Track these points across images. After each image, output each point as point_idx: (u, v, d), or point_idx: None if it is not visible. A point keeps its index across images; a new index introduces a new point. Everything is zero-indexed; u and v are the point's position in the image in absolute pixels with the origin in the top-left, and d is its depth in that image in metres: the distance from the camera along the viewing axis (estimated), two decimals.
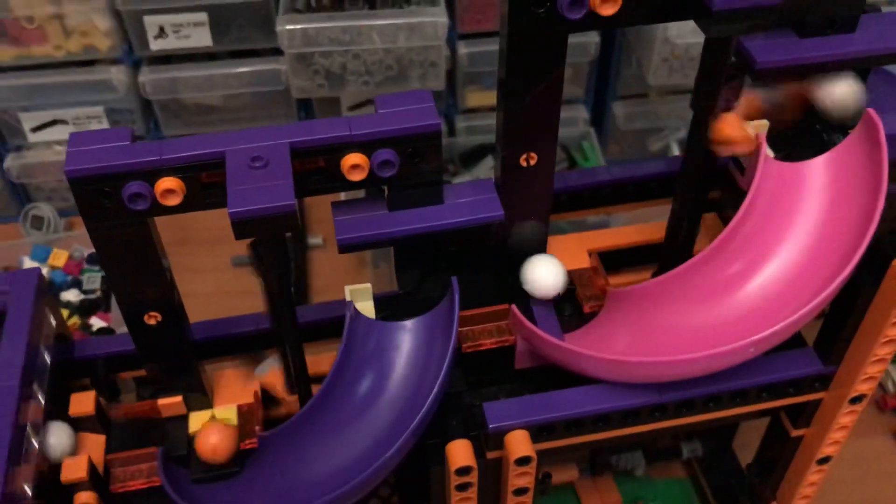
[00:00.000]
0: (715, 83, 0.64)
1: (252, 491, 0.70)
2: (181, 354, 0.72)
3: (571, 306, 0.76)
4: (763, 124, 0.68)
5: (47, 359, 0.75)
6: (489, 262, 0.73)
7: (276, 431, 0.71)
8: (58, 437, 0.72)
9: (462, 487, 0.66)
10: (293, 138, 0.60)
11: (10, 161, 1.31)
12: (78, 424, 0.75)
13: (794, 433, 0.75)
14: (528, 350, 0.71)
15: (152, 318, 0.68)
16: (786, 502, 0.81)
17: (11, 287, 0.74)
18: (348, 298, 0.69)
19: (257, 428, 0.73)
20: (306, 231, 1.36)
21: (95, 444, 0.74)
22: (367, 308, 0.70)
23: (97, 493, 0.70)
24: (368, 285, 0.70)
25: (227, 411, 0.75)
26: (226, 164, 0.58)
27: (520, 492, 0.67)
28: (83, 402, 0.74)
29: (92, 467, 0.70)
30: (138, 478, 0.76)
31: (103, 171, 0.58)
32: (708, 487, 0.99)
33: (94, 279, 1.21)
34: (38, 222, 1.33)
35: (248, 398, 0.75)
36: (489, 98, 1.33)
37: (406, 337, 0.69)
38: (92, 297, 1.19)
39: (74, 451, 0.73)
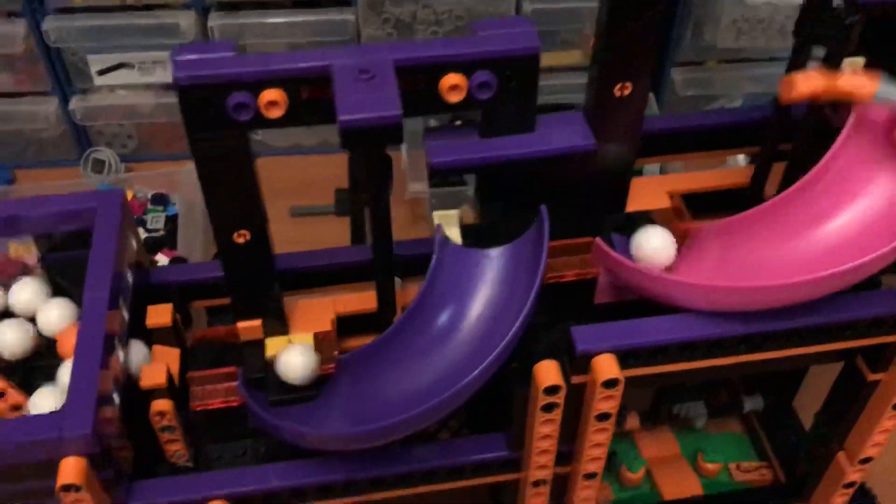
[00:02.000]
0: (817, 18, 0.63)
1: (328, 410, 0.71)
2: (265, 275, 0.73)
3: None
4: (858, 61, 0.68)
5: (130, 280, 0.76)
6: (573, 197, 0.73)
7: (356, 353, 0.71)
8: (137, 353, 0.74)
9: (548, 408, 0.66)
10: (397, 55, 0.60)
11: (75, 103, 1.32)
12: (153, 339, 0.76)
13: (871, 377, 0.75)
14: (610, 284, 0.72)
15: (241, 237, 0.69)
16: (854, 451, 0.81)
17: (99, 204, 0.76)
18: (436, 222, 0.69)
19: (336, 353, 0.74)
20: None
21: (171, 356, 0.75)
22: (453, 235, 0.70)
23: (173, 402, 0.71)
24: (456, 211, 0.71)
25: (303, 337, 0.76)
26: (334, 76, 0.58)
27: (602, 417, 0.68)
28: (160, 314, 0.76)
29: (169, 376, 0.72)
30: (216, 397, 0.78)
31: (211, 79, 0.59)
32: (768, 443, 0.99)
33: (157, 219, 1.22)
34: (98, 166, 1.35)
35: (326, 326, 0.76)
36: (554, 58, 1.32)
37: (492, 264, 0.69)
38: (156, 235, 1.20)
39: None
